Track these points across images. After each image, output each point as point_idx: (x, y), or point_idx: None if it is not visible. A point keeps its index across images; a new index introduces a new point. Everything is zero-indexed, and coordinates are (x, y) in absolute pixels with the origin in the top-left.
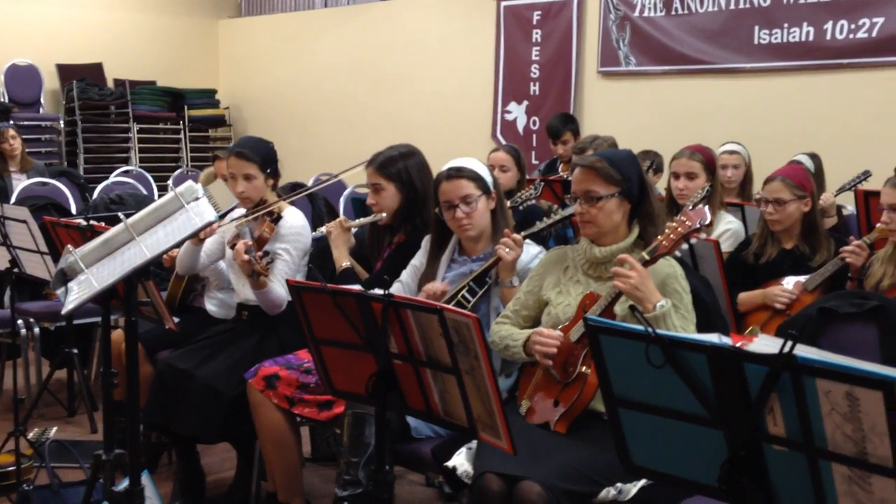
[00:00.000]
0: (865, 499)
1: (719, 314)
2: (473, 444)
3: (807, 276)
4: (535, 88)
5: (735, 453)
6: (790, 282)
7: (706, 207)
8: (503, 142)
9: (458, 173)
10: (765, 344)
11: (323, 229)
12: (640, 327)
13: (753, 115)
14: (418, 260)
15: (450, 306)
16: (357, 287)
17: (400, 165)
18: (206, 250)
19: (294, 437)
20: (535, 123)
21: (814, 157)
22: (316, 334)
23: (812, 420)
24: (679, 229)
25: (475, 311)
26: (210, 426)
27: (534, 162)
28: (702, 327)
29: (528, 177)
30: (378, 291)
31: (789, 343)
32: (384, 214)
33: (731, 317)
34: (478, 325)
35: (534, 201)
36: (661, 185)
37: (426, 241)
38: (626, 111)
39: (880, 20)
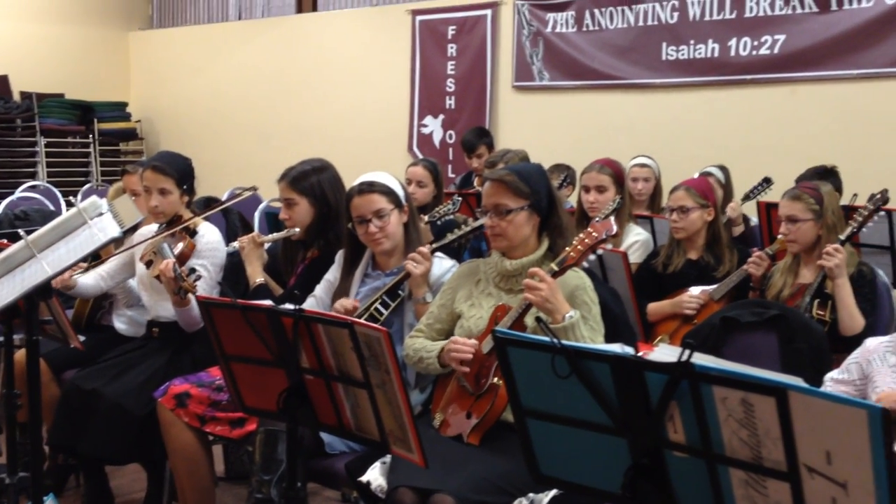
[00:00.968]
0: (762, 502)
1: (627, 325)
2: (387, 458)
3: (713, 286)
4: (450, 102)
5: (638, 461)
6: (696, 291)
7: (612, 219)
8: (420, 155)
9: (370, 188)
10: (665, 353)
11: (236, 244)
12: (547, 339)
13: (662, 128)
14: (332, 275)
15: (361, 320)
16: (268, 302)
17: (313, 180)
18: (108, 272)
19: (206, 456)
20: (451, 137)
21: (723, 168)
22: (226, 351)
23: (710, 426)
24: (586, 240)
25: (388, 325)
26: (119, 446)
27: (450, 175)
28: (610, 338)
29: (445, 191)
30: (289, 306)
31: (687, 352)
32: (297, 229)
33: (639, 327)
34: (388, 338)
35: (452, 216)
36: (573, 198)
37: (340, 256)
38: (541, 125)
39: (782, 37)
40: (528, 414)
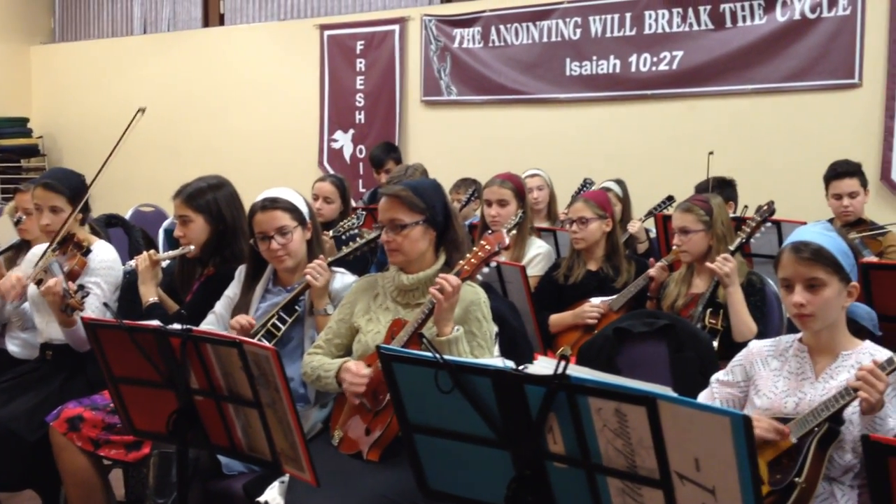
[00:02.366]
0: None
1: (525, 338)
2: (286, 477)
3: (612, 297)
4: (360, 117)
5: (520, 472)
6: (596, 302)
7: (504, 232)
8: (330, 170)
9: (272, 204)
10: (543, 366)
11: (132, 263)
12: (430, 354)
13: (567, 142)
14: (232, 291)
15: (249, 339)
16: (155, 322)
17: (209, 197)
18: None
19: (100, 480)
20: (361, 152)
21: (620, 182)
22: (114, 372)
23: (587, 437)
24: (479, 253)
25: (287, 340)
26: (11, 472)
27: (360, 190)
28: (508, 351)
29: (353, 206)
30: (177, 326)
31: (563, 364)
32: (192, 247)
33: (538, 339)
34: (277, 357)
35: (357, 230)
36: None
37: (240, 271)
38: (449, 139)
39: (680, 53)
40: (414, 429)
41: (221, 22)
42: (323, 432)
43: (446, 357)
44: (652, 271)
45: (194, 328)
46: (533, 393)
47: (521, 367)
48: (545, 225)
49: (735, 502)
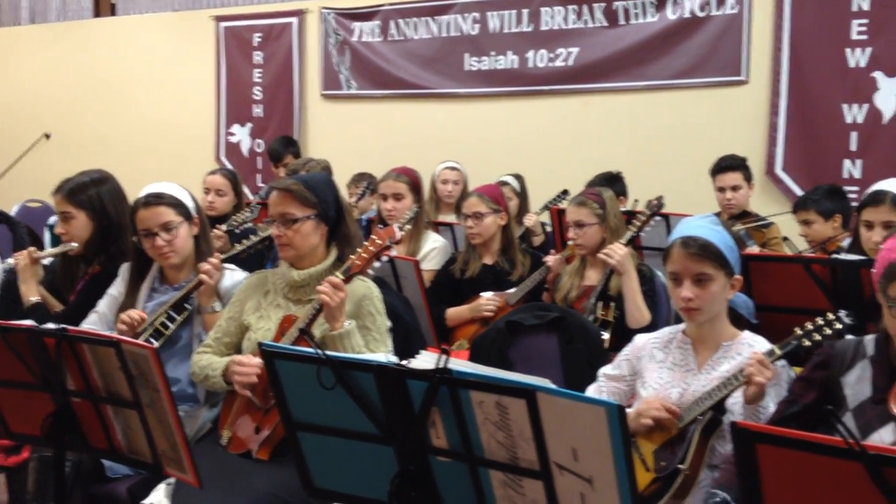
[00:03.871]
0: (520, 501)
1: (418, 332)
2: (173, 479)
3: (508, 291)
4: (258, 110)
5: (404, 467)
6: (492, 295)
7: (396, 226)
8: (228, 164)
9: (156, 199)
10: (426, 360)
11: (10, 261)
12: (312, 350)
13: (467, 137)
14: (116, 289)
15: (126, 338)
16: (28, 322)
17: (91, 192)
18: None
19: None
20: (259, 146)
21: (518, 177)
22: None
23: (469, 430)
24: (370, 248)
25: (176, 339)
26: None
27: (259, 185)
28: (402, 346)
29: (246, 201)
30: (51, 326)
31: (444, 358)
32: (75, 244)
33: (433, 333)
34: (155, 356)
35: (251, 224)
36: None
37: (125, 269)
38: (350, 134)
39: (575, 50)
40: (298, 427)
41: (113, 12)
42: (212, 432)
43: (329, 353)
44: (550, 262)
45: (70, 327)
46: (415, 388)
47: (403, 362)
48: (451, 219)
49: (611, 490)
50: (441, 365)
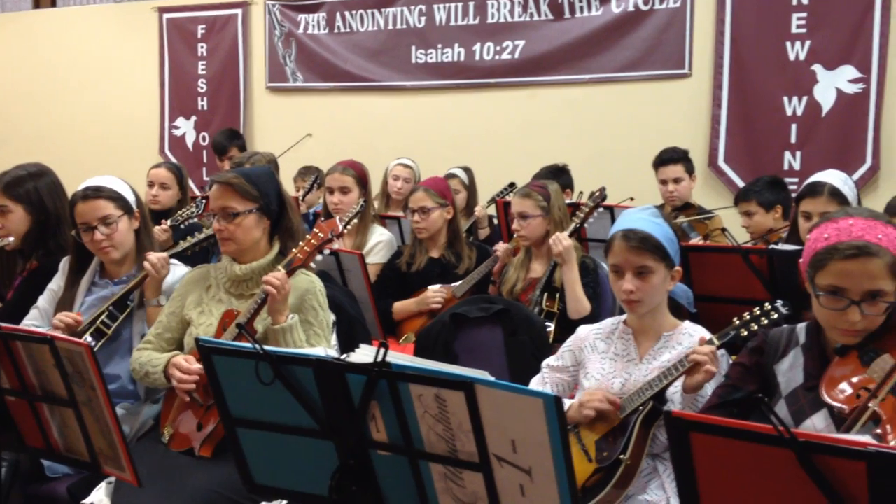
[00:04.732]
0: (460, 493)
1: (363, 326)
2: (113, 478)
3: (455, 283)
4: (203, 103)
5: (344, 462)
6: (439, 288)
7: (338, 219)
8: (172, 158)
9: (95, 193)
10: (365, 354)
11: None
12: (250, 345)
13: (414, 130)
14: (56, 284)
15: (61, 335)
16: None
17: (29, 186)
18: None
19: None
20: (204, 139)
21: (467, 170)
22: None
23: (409, 424)
24: (312, 241)
25: (117, 335)
26: None
27: (205, 178)
28: (346, 339)
29: (191, 195)
30: None
31: (382, 351)
32: (11, 238)
33: (378, 326)
34: (91, 353)
35: (196, 219)
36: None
37: (64, 263)
38: (296, 127)
39: (521, 43)
40: (237, 423)
41: (53, 3)
42: (154, 429)
43: (267, 348)
44: (500, 250)
45: (3, 325)
46: (355, 382)
47: (342, 357)
48: (400, 213)
49: (550, 481)
50: (380, 358)
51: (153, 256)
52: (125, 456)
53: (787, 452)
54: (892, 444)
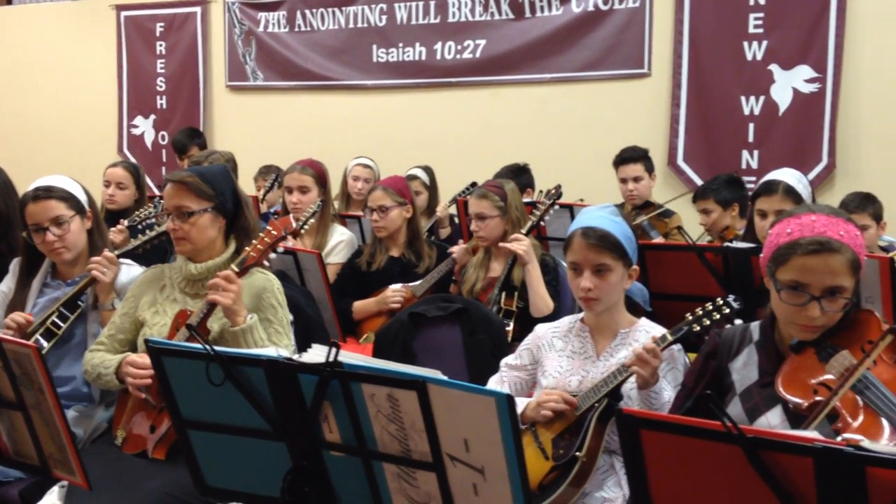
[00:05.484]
0: (414, 493)
1: (321, 326)
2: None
3: (415, 283)
4: (162, 102)
5: (297, 463)
6: (398, 288)
7: (291, 217)
8: (131, 157)
9: (46, 193)
10: (317, 354)
11: None
12: (200, 346)
13: (375, 129)
14: (6, 285)
15: (8, 336)
16: None
17: None
18: None
19: None
20: (163, 138)
21: (428, 169)
22: None
23: (362, 424)
24: (266, 239)
25: (69, 336)
26: None
27: (164, 178)
28: (303, 339)
29: (149, 195)
30: None
31: (334, 351)
32: None
33: (337, 326)
34: (38, 355)
35: (154, 219)
36: None
37: (15, 264)
38: (256, 125)
39: (483, 42)
40: (188, 425)
41: (9, 1)
42: (108, 432)
43: (217, 348)
44: (455, 252)
45: None
46: (307, 382)
47: (294, 356)
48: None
49: (502, 480)
50: (331, 358)
51: (95, 259)
52: (75, 460)
53: (735, 449)
54: (852, 436)
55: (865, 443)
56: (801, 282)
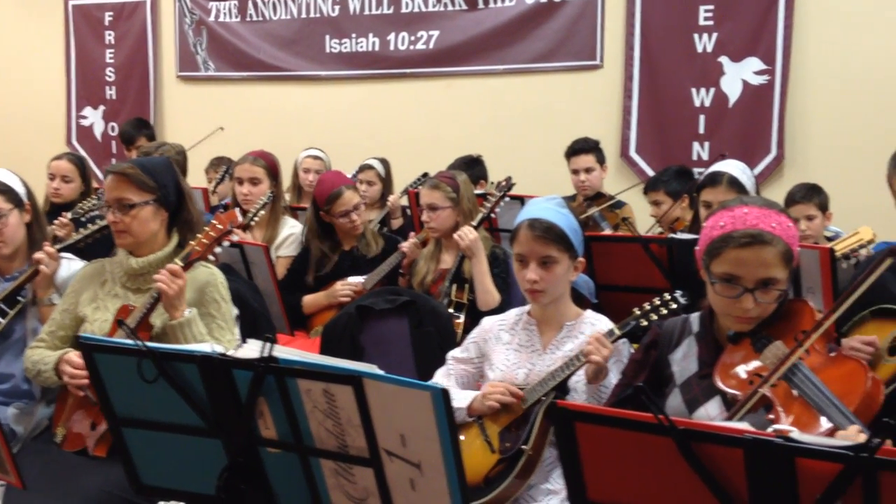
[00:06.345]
0: (351, 489)
1: (267, 320)
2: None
3: (362, 277)
4: (111, 92)
5: (233, 460)
6: (350, 281)
7: (237, 210)
8: (80, 149)
9: None
10: (251, 349)
11: None
12: (132, 342)
13: (328, 120)
14: None
15: None
16: None
17: None
18: None
19: None
20: (113, 129)
21: (383, 161)
22: None
23: (299, 420)
24: (211, 233)
25: (9, 333)
26: None
27: None
28: (250, 333)
29: (95, 186)
30: None
31: (268, 346)
32: None
33: (285, 320)
34: None
35: (98, 211)
36: None
37: None
38: (208, 116)
39: (436, 33)
40: (122, 423)
41: None
42: (49, 430)
43: (149, 344)
44: (405, 247)
45: None
46: (241, 378)
47: (227, 352)
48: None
49: (439, 474)
50: (266, 353)
51: (39, 252)
52: (8, 458)
53: (668, 440)
54: (782, 427)
55: (795, 434)
56: (735, 274)
